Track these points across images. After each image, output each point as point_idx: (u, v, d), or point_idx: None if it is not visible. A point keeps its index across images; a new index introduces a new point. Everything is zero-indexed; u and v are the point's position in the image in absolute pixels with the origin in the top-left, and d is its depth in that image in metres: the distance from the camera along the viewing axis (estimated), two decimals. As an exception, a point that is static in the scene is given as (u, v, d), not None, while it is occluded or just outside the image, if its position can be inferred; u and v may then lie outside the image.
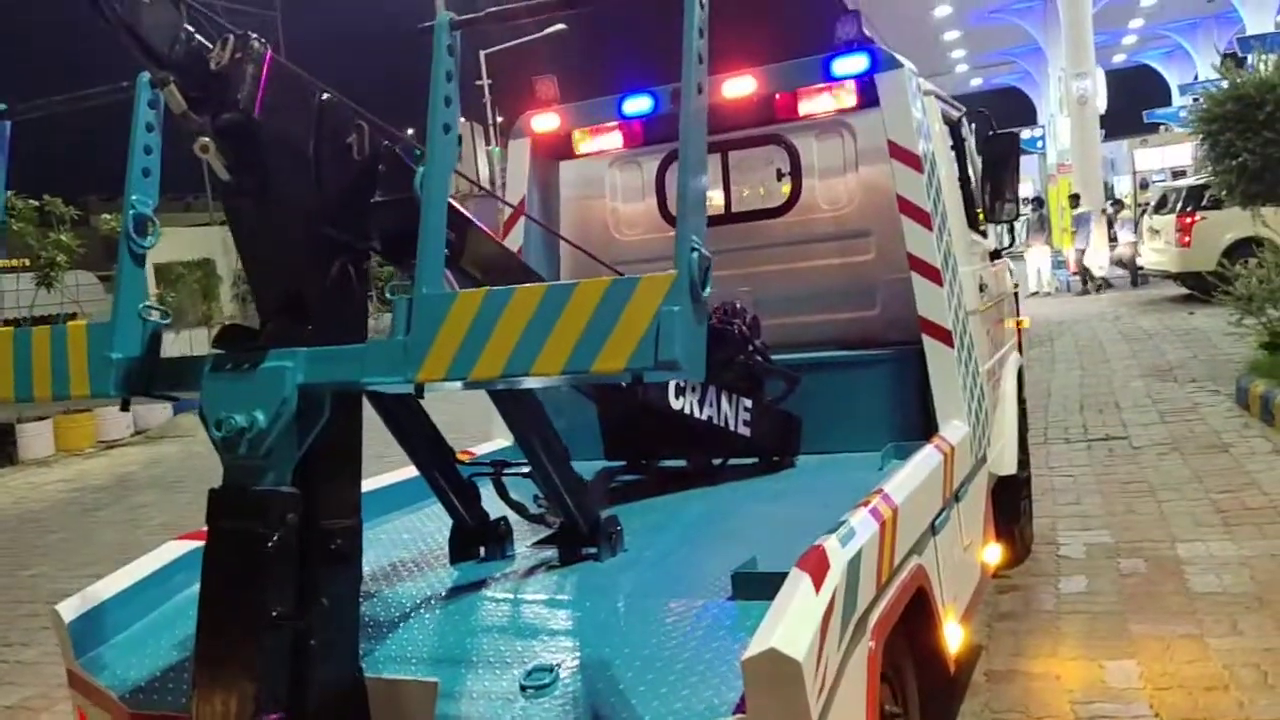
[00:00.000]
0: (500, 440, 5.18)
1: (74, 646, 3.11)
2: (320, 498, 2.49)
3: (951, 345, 4.42)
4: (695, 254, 2.12)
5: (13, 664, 6.37)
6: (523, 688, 2.56)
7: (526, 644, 2.77)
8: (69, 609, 3.16)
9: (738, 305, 4.53)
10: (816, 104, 4.85)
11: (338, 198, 2.56)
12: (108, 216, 17.62)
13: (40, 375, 2.70)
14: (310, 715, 2.41)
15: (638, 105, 5.03)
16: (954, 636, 3.73)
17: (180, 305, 22.82)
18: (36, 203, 15.63)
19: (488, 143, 33.31)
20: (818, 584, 2.53)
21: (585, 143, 5.35)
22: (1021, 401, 6.45)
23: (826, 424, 4.70)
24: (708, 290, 2.16)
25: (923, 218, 4.48)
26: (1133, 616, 5.13)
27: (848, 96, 4.74)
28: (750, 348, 4.38)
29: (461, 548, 3.54)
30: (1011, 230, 5.95)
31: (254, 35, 2.40)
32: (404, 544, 3.76)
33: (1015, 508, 5.76)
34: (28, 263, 17.41)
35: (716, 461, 4.55)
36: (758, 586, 2.71)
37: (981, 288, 5.18)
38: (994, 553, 4.70)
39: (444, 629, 2.97)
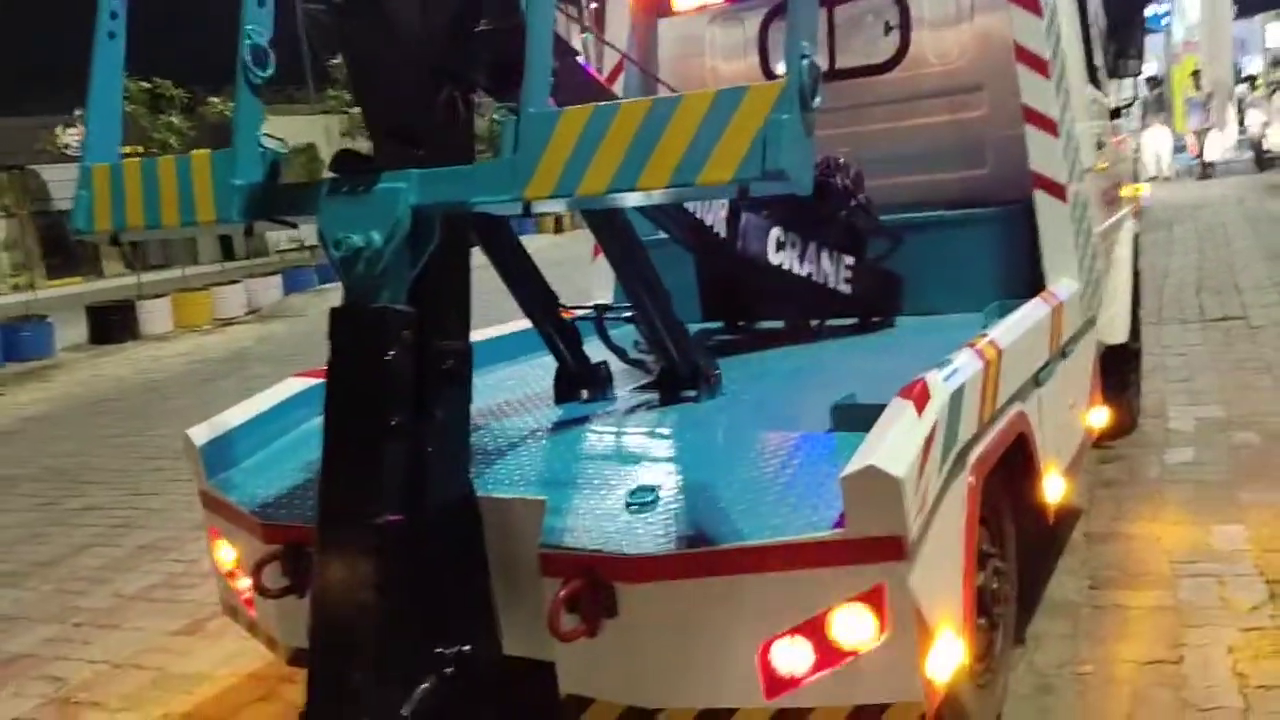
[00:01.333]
0: (599, 299, 5.26)
1: (205, 469, 3.31)
2: (432, 318, 2.56)
3: (1065, 200, 4.29)
4: (806, 61, 2.08)
5: (144, 510, 6.80)
6: (628, 504, 2.64)
7: (629, 469, 2.85)
8: (200, 434, 3.36)
9: (841, 160, 4.44)
10: (929, -50, 4.66)
11: (444, 24, 2.56)
12: (215, 100, 17.98)
13: (168, 203, 2.82)
14: (426, 521, 2.53)
15: (741, -43, 4.90)
16: (1055, 488, 3.71)
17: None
18: (148, 85, 16.01)
19: (581, 31, 32.72)
20: (920, 410, 2.54)
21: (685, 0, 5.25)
22: (1136, 272, 6.26)
23: (931, 284, 4.62)
24: (818, 100, 2.12)
25: (1040, 66, 4.31)
26: (1242, 486, 5.03)
27: None
28: (853, 203, 4.30)
29: (565, 390, 3.63)
30: (1136, 87, 5.67)
31: None
32: (510, 388, 3.86)
33: (1124, 377, 5.63)
34: (141, 149, 17.91)
35: (814, 323, 4.53)
36: (857, 418, 2.72)
37: (1099, 145, 4.99)
38: (1099, 416, 4.62)
39: (550, 456, 3.07)
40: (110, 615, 5.00)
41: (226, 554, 3.30)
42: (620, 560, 2.48)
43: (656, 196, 2.29)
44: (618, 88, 5.21)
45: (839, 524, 2.36)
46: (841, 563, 2.36)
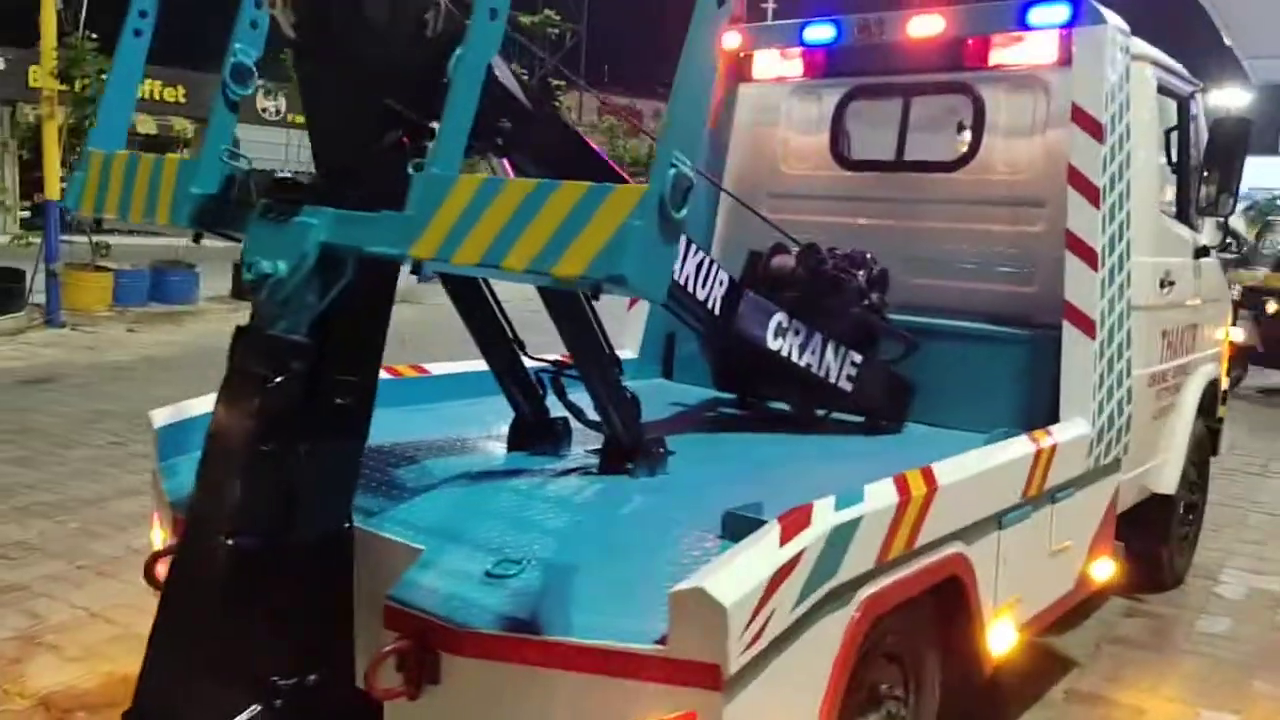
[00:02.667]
0: (627, 351, 5.25)
1: (159, 451, 3.46)
2: (334, 354, 2.61)
3: (1093, 336, 4.06)
4: (674, 171, 2.03)
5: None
6: (487, 573, 2.63)
7: (518, 535, 2.82)
8: (161, 416, 3.51)
9: (867, 256, 4.31)
10: (1009, 54, 4.51)
11: (404, 71, 2.62)
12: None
13: (138, 199, 2.97)
14: (290, 549, 2.57)
15: (820, 33, 4.84)
16: (1002, 638, 3.50)
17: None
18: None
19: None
20: (786, 538, 2.45)
21: (764, 67, 5.21)
22: (1215, 421, 5.87)
23: (948, 396, 4.43)
24: (684, 211, 2.07)
25: (1090, 192, 4.10)
26: (1262, 672, 4.63)
27: (1046, 49, 4.38)
28: (866, 302, 4.17)
29: (517, 439, 3.63)
30: (1226, 229, 5.31)
31: None
32: (467, 423, 3.87)
33: (1165, 529, 5.27)
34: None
35: (820, 412, 4.41)
36: (744, 530, 2.63)
37: (1164, 284, 4.69)
38: (1104, 568, 4.33)
39: (456, 504, 3.07)
40: (113, 564, 5.24)
41: (157, 536, 3.42)
42: (449, 629, 2.47)
43: (520, 279, 2.27)
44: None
45: (662, 640, 2.29)
46: (657, 680, 2.30)
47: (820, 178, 5.19)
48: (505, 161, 2.93)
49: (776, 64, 5.18)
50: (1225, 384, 6.06)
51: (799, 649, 2.52)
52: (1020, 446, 3.56)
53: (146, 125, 22.99)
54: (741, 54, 5.17)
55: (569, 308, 3.23)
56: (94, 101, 11.68)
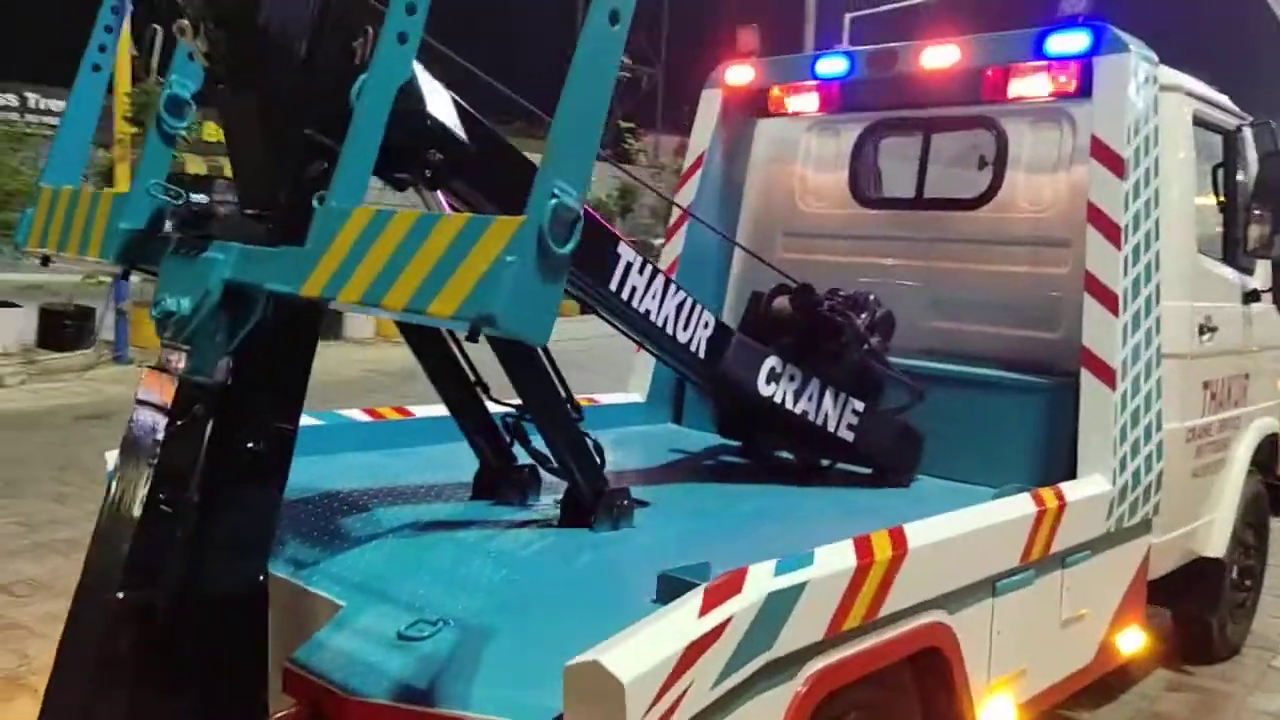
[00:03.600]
0: (635, 394, 5.07)
1: None
2: (247, 398, 2.48)
3: (1113, 387, 3.74)
4: (554, 202, 1.85)
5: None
6: (399, 635, 2.45)
7: (445, 594, 2.64)
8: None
9: (870, 298, 4.06)
10: (1030, 85, 4.25)
11: (327, 100, 2.49)
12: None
13: (74, 235, 2.90)
14: (193, 605, 2.43)
15: (832, 66, 4.64)
16: (998, 716, 3.19)
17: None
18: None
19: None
20: (708, 608, 2.22)
21: (780, 102, 5.02)
22: (1277, 479, 5.43)
23: (963, 448, 4.14)
24: (569, 247, 1.89)
25: (1112, 232, 3.81)
26: (1317, 759, 4.20)
27: (1067, 80, 4.11)
28: (865, 346, 3.91)
29: (482, 488, 3.46)
30: (1276, 269, 4.92)
31: None
32: (433, 470, 3.70)
33: (1214, 596, 4.86)
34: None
35: (825, 463, 4.16)
36: (677, 593, 2.41)
37: (1204, 330, 4.34)
38: (1132, 639, 3.97)
39: (393, 558, 2.90)
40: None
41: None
42: (339, 698, 2.29)
43: (403, 318, 2.11)
44: (693, 184, 5.05)
45: (560, 718, 2.08)
46: (553, 761, 2.08)
47: (838, 216, 4.97)
48: (439, 195, 2.78)
49: (792, 98, 4.99)
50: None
51: (730, 726, 2.29)
52: (1017, 506, 3.27)
53: (196, 166, 23.58)
54: (756, 88, 4.98)
55: (518, 354, 3.06)
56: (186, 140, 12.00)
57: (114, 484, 2.47)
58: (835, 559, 2.55)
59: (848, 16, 26.15)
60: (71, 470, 7.79)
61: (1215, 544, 4.70)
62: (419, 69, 2.59)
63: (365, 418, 4.12)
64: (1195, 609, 4.92)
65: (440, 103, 2.62)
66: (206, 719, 2.44)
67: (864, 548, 2.64)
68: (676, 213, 5.12)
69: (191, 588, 2.42)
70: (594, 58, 1.91)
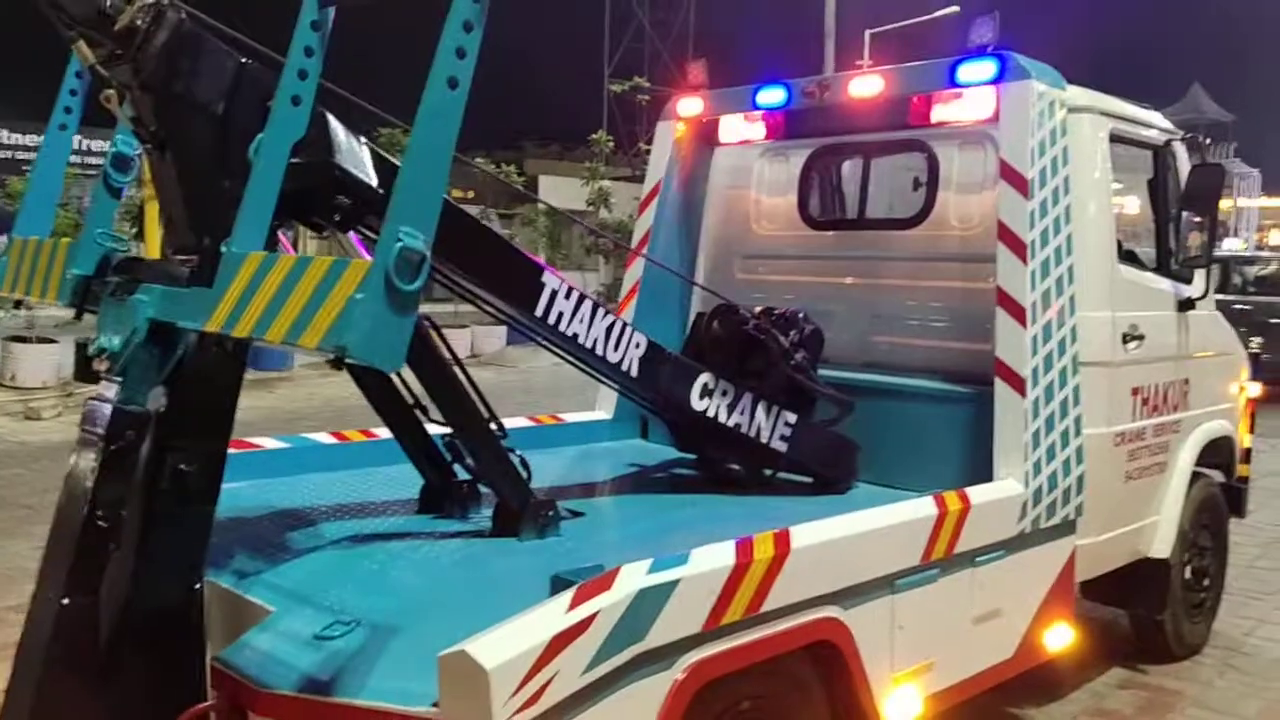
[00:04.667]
0: (601, 412, 5.32)
1: None
2: (178, 423, 2.77)
3: (1023, 394, 3.94)
4: (400, 245, 2.13)
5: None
6: (315, 635, 2.72)
7: (365, 598, 2.91)
8: None
9: (800, 315, 4.29)
10: (950, 111, 4.47)
11: (243, 156, 2.78)
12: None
13: (38, 281, 3.22)
14: (129, 610, 2.71)
15: (770, 97, 4.89)
16: (904, 706, 3.39)
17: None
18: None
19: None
20: (577, 602, 2.47)
21: (730, 131, 5.28)
22: (1237, 480, 5.56)
23: (898, 455, 4.36)
24: (416, 284, 2.16)
25: (1018, 248, 4.01)
26: (1252, 752, 4.33)
27: (984, 106, 4.32)
28: (790, 362, 4.13)
29: (427, 503, 3.74)
30: (1209, 276, 5.06)
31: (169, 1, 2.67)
32: (381, 489, 3.98)
33: (1160, 595, 4.99)
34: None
35: (768, 472, 4.38)
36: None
37: (1129, 337, 4.51)
38: (1059, 636, 4.14)
39: (326, 567, 3.17)
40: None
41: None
42: (252, 690, 2.56)
43: (283, 349, 2.38)
44: (650, 211, 5.31)
45: (437, 703, 2.33)
46: (433, 742, 2.33)
47: (789, 237, 5.20)
48: (352, 236, 3.07)
49: (741, 128, 5.25)
50: (1248, 441, 5.73)
51: (602, 711, 2.52)
52: (914, 508, 3.47)
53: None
54: (706, 119, 5.24)
55: (440, 378, 3.33)
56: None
57: (60, 502, 2.77)
58: (713, 558, 2.78)
59: (867, 33, 26.46)
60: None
61: (1159, 545, 4.84)
62: (334, 123, 2.89)
63: (331, 440, 4.42)
64: (1144, 609, 5.06)
65: (351, 153, 2.91)
66: (143, 713, 2.72)
67: (744, 548, 2.86)
68: (638, 237, 5.38)
69: (132, 595, 2.71)
70: (434, 119, 2.18)
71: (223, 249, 2.55)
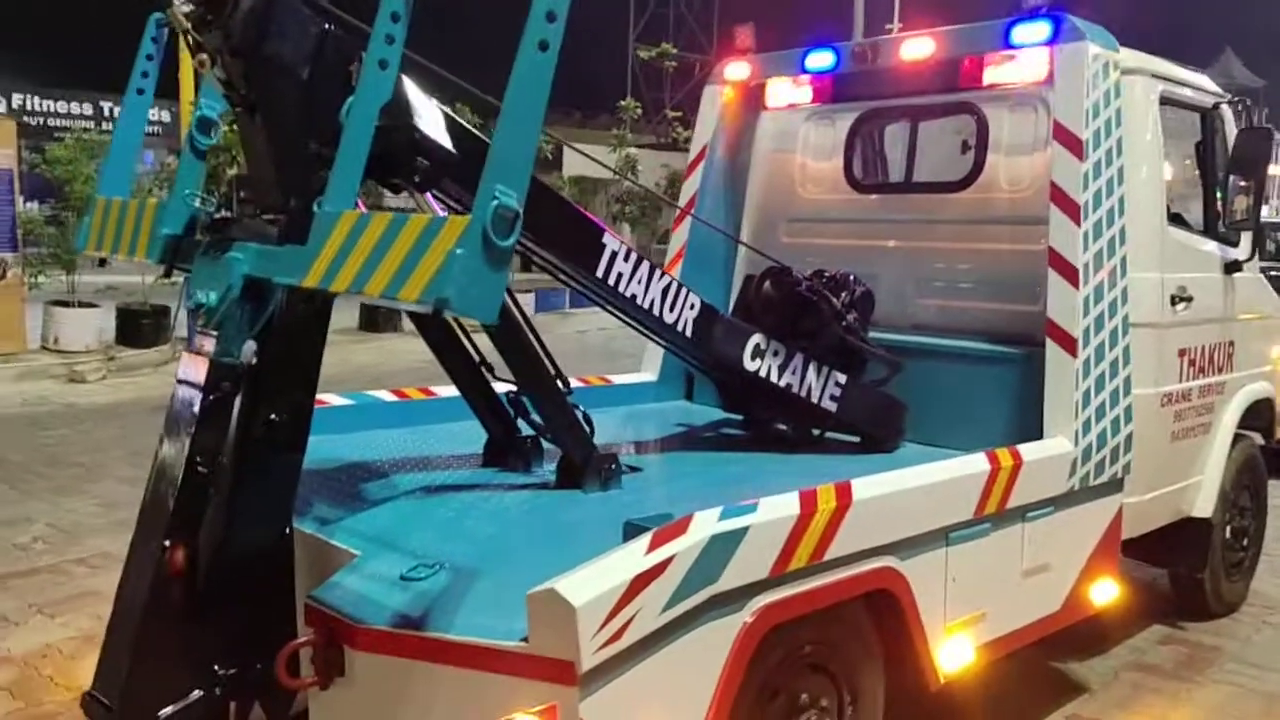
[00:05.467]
0: (647, 374, 5.43)
1: None
2: (268, 376, 2.89)
3: (1074, 354, 4.01)
4: (495, 203, 2.22)
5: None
6: (402, 576, 2.85)
7: (444, 543, 3.04)
8: None
9: (851, 278, 4.37)
10: (1002, 73, 4.52)
11: (329, 119, 2.88)
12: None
13: (125, 240, 3.35)
14: (225, 553, 2.85)
15: (819, 60, 4.94)
16: (955, 654, 3.50)
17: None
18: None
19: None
20: (655, 546, 2.58)
21: (777, 95, 5.33)
22: (1276, 443, 5.63)
23: (947, 415, 4.44)
24: (510, 240, 2.26)
25: (1071, 210, 4.07)
26: (1290, 705, 4.42)
27: (1037, 67, 4.37)
28: (842, 323, 4.22)
29: (491, 457, 3.87)
30: (1258, 241, 5.10)
31: None
32: (447, 444, 4.11)
33: (1202, 554, 5.08)
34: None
35: (816, 432, 4.48)
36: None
37: (1178, 299, 4.57)
38: (1104, 591, 4.23)
39: (404, 515, 3.30)
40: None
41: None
42: (349, 626, 2.70)
43: (380, 304, 2.49)
44: (697, 176, 5.39)
45: (526, 638, 2.46)
46: (522, 675, 2.47)
47: (835, 201, 5.27)
48: (429, 196, 3.17)
49: (788, 92, 5.30)
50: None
51: (678, 649, 2.64)
52: (969, 464, 3.57)
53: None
54: (753, 83, 5.30)
55: (510, 339, 3.44)
56: (227, 150, 12.57)
57: (159, 451, 2.91)
58: (779, 508, 2.89)
59: (896, -2, 26.24)
60: (145, 456, 8.26)
61: (1202, 505, 4.92)
62: (411, 87, 2.99)
63: (392, 398, 4.55)
64: (1185, 567, 5.15)
65: (429, 116, 3.01)
66: (246, 647, 2.87)
67: (809, 499, 2.97)
68: (684, 201, 5.46)
69: (227, 539, 2.85)
70: (526, 81, 2.27)
71: (315, 208, 2.66)
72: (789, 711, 3.08)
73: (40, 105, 30.98)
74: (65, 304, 13.66)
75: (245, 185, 3.07)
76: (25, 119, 27.50)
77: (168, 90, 3.24)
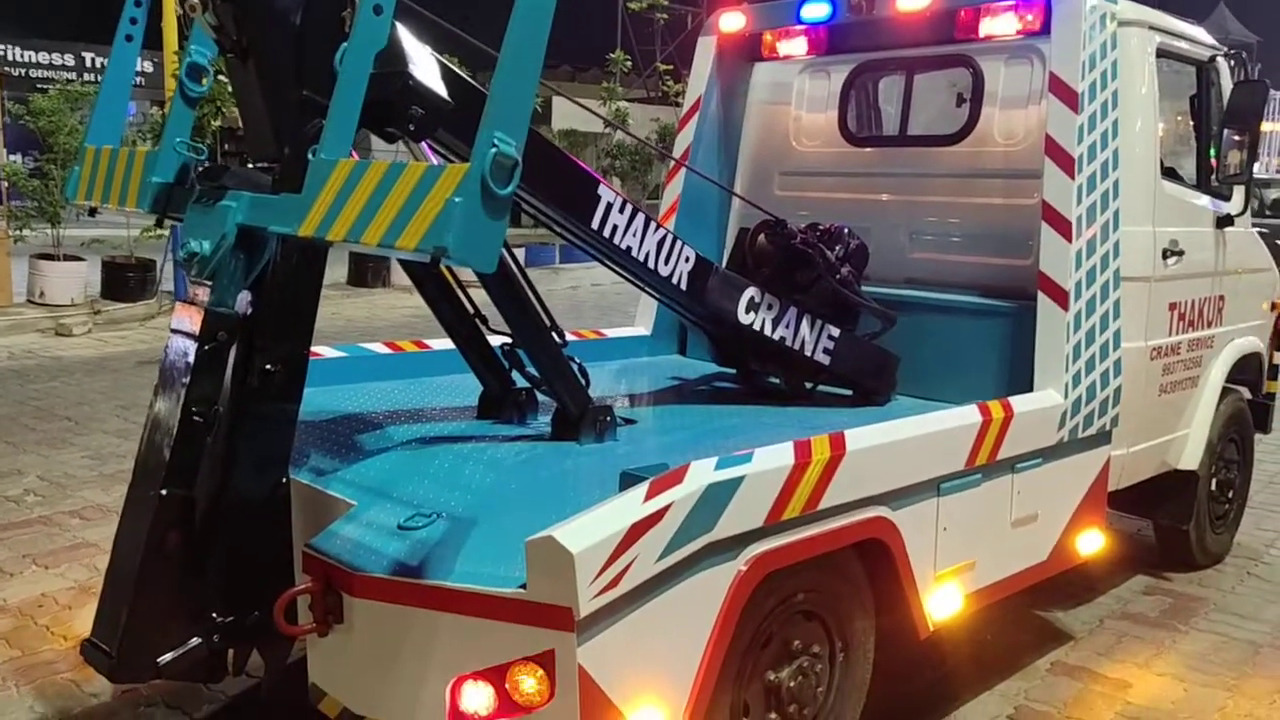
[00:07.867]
0: (640, 328, 5.43)
1: None
2: (265, 325, 2.89)
3: (1065, 307, 4.03)
4: (494, 151, 2.20)
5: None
6: (399, 526, 2.87)
7: (440, 493, 3.05)
8: None
9: (845, 231, 4.37)
10: (998, 24, 4.48)
11: (321, 66, 2.85)
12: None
13: (115, 189, 3.32)
14: (222, 502, 2.86)
15: (815, 11, 4.90)
16: (945, 602, 3.55)
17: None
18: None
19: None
20: (652, 494, 2.60)
21: (773, 46, 5.29)
22: (1264, 396, 5.68)
23: (939, 368, 4.46)
24: (509, 188, 2.24)
25: (1066, 163, 4.07)
26: (1270, 650, 4.50)
27: (1033, 19, 4.33)
28: (836, 276, 4.22)
29: (486, 409, 3.87)
30: (1248, 194, 5.12)
31: None
32: (441, 396, 4.12)
33: (1187, 506, 5.14)
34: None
35: (809, 385, 4.49)
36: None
37: (1169, 253, 4.58)
38: (1091, 541, 4.28)
39: (400, 466, 3.31)
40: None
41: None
42: (347, 573, 2.72)
43: (378, 252, 2.48)
44: (690, 127, 5.36)
45: (524, 585, 2.48)
46: (521, 621, 2.49)
47: (829, 154, 5.25)
48: (425, 146, 3.15)
49: (783, 43, 5.26)
50: (1278, 358, 5.83)
51: (674, 596, 2.67)
52: (960, 415, 3.59)
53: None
54: (747, 34, 5.26)
55: (504, 289, 3.44)
56: (212, 101, 12.39)
57: (154, 401, 2.91)
58: (774, 458, 2.91)
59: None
60: (133, 409, 8.36)
61: (1189, 458, 4.97)
62: (405, 34, 2.95)
63: (386, 350, 4.54)
64: (1171, 519, 5.21)
65: (424, 64, 2.98)
66: (242, 595, 2.89)
67: (803, 449, 2.99)
68: (678, 153, 5.43)
69: (223, 488, 2.86)
70: (524, 28, 2.24)
71: (309, 156, 2.64)
72: (781, 658, 3.13)
73: (21, 56, 30.49)
74: (50, 257, 13.54)
75: (231, 138, 3.04)
76: (7, 69, 27.09)
77: (152, 40, 3.19)
